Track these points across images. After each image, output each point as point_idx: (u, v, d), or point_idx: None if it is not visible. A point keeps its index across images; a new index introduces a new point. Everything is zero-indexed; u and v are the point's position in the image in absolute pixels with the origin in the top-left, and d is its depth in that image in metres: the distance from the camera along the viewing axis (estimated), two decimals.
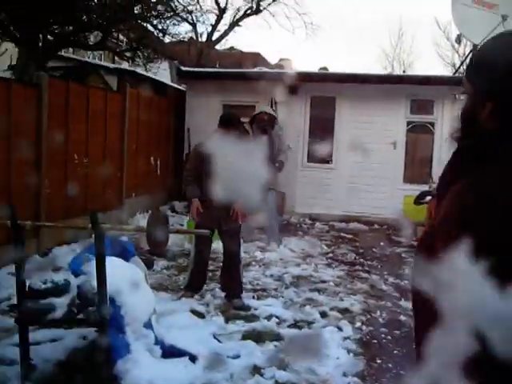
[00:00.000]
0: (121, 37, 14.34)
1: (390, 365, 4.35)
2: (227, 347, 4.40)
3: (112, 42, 13.78)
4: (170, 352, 4.03)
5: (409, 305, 5.86)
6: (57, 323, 3.63)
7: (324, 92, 11.70)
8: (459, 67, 18.34)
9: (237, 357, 4.22)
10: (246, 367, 4.08)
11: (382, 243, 9.37)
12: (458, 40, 18.67)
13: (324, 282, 6.75)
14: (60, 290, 3.61)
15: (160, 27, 12.37)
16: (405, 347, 4.75)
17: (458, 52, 28.59)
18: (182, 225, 9.79)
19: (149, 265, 6.07)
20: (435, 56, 36.45)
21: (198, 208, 5.49)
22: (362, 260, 8.13)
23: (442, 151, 11.22)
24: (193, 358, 4.05)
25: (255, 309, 5.47)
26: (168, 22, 12.65)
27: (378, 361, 4.41)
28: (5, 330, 4.59)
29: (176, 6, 12.88)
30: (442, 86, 11.25)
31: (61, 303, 3.56)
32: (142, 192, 10.53)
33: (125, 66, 14.07)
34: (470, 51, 14.44)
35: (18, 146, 6.78)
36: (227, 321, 5.10)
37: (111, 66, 13.03)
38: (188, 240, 7.45)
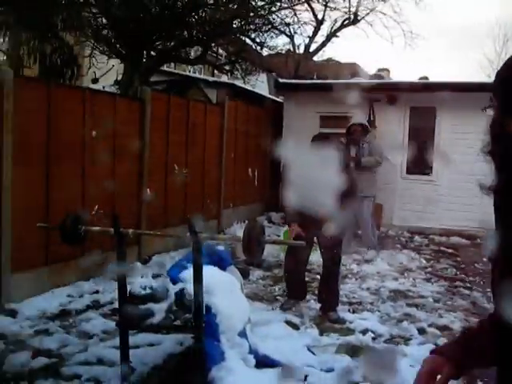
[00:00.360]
0: (220, 51, 14.69)
1: None
2: (321, 360, 4.35)
3: (211, 55, 14.13)
4: (264, 362, 4.04)
5: None
6: (155, 328, 3.73)
7: (424, 102, 11.39)
8: None
9: (331, 370, 4.17)
10: (340, 381, 4.02)
11: (484, 259, 8.95)
12: None
13: (422, 297, 6.54)
14: (159, 296, 3.72)
15: (258, 40, 12.54)
16: None
17: None
18: (278, 235, 9.82)
19: (245, 274, 6.13)
20: None
21: (299, 233, 5.44)
22: (463, 276, 7.82)
23: None
24: (285, 369, 4.04)
25: (350, 322, 5.39)
26: (266, 35, 12.80)
27: (480, 382, 4.20)
28: (107, 333, 4.80)
29: (274, 19, 13.00)
30: None
31: (159, 309, 3.67)
32: (240, 202, 10.70)
33: (224, 79, 14.39)
34: None
35: (123, 157, 7.10)
36: (321, 333, 5.06)
37: (210, 79, 13.36)
38: (282, 250, 7.48)
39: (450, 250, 9.60)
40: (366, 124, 9.36)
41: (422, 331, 5.25)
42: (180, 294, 3.70)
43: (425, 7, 24.96)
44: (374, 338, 4.97)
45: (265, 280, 7.00)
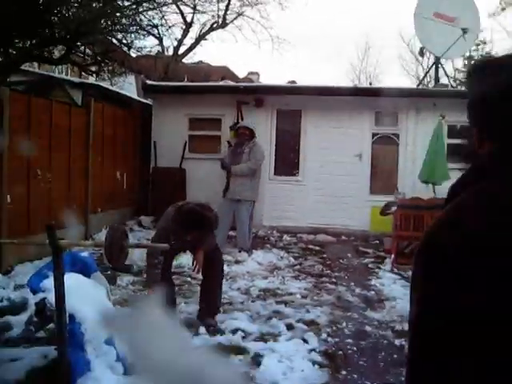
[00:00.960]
0: (86, 51, 14.23)
1: (355, 375, 4.35)
2: None
3: (77, 56, 13.66)
4: (133, 369, 3.96)
5: (374, 315, 5.90)
6: (14, 342, 3.54)
7: (290, 105, 11.77)
8: (422, 79, 18.71)
9: None
10: None
11: (349, 254, 9.42)
12: (421, 53, 19.06)
13: (291, 294, 6.74)
14: (17, 308, 3.53)
15: (125, 41, 12.29)
16: (370, 358, 4.77)
17: (421, 64, 29.16)
18: (148, 239, 9.70)
19: (112, 280, 5.98)
20: (400, 69, 36.99)
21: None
22: (329, 271, 8.15)
23: (407, 162, 11.38)
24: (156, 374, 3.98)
25: (221, 322, 5.42)
26: (133, 35, 12.57)
27: (343, 372, 4.41)
28: None
29: (141, 20, 12.81)
30: (406, 98, 11.42)
31: (18, 321, 3.48)
32: (109, 207, 10.42)
33: (90, 80, 13.95)
34: (433, 63, 14.72)
35: None
36: (192, 335, 5.04)
37: (76, 80, 12.90)
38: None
39: (317, 248, 9.98)
40: (253, 128, 9.40)
41: (289, 327, 5.40)
42: (41, 304, 3.54)
43: (291, 14, 25.76)
44: (243, 337, 5.04)
45: (135, 285, 6.87)
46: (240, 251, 8.82)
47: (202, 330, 5.17)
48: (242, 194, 8.95)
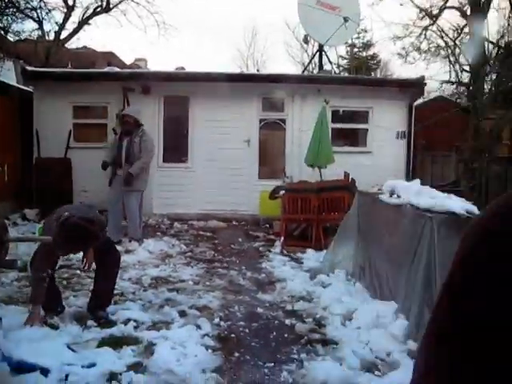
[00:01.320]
0: None
1: (247, 357, 4.45)
2: (82, 356, 4.25)
3: None
4: (19, 367, 3.83)
5: (266, 297, 6.05)
6: None
7: (177, 92, 11.70)
8: (307, 65, 19.18)
9: (92, 365, 4.09)
10: (103, 375, 3.97)
11: (240, 239, 9.56)
12: (306, 40, 19.56)
13: (183, 281, 6.75)
14: None
15: (1, 24, 11.68)
16: (262, 338, 4.89)
17: (306, 51, 29.93)
18: (34, 232, 9.31)
19: None
20: (286, 56, 37.73)
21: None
22: (220, 257, 8.24)
23: (294, 146, 11.69)
24: (45, 372, 3.88)
25: (112, 314, 5.33)
26: (10, 18, 11.97)
27: (236, 354, 4.48)
28: None
29: (18, 2, 12.21)
30: (292, 84, 11.71)
31: None
32: None
33: None
34: (317, 50, 15.14)
35: None
36: (83, 329, 4.93)
37: None
38: None
39: (208, 234, 10.05)
40: (137, 115, 9.04)
41: (182, 314, 5.41)
42: None
43: None
44: (136, 327, 4.99)
45: (20, 281, 6.59)
46: (130, 241, 8.70)
47: (91, 322, 5.07)
48: (133, 185, 8.79)
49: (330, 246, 7.41)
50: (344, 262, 6.88)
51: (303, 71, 18.75)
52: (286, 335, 4.99)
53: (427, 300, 4.40)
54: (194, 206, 11.37)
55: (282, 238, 8.89)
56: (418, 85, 11.89)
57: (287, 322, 5.30)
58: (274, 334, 5.04)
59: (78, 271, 6.99)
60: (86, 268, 5.30)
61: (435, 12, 17.52)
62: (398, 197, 5.54)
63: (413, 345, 4.39)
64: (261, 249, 8.87)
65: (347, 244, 6.95)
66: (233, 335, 4.96)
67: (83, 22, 19.10)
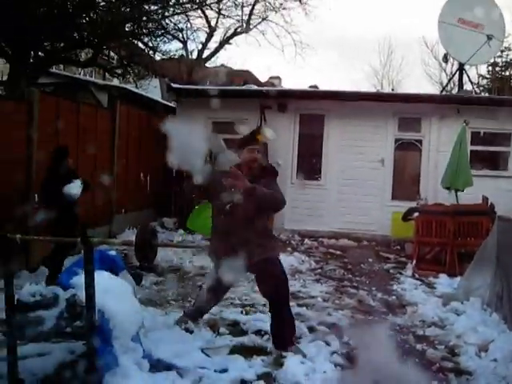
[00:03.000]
0: (112, 54, 14.43)
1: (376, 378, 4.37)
2: (215, 361, 4.40)
3: (103, 59, 13.86)
4: (158, 366, 4.05)
5: (396, 320, 5.92)
6: (45, 336, 3.63)
7: (313, 110, 11.83)
8: (446, 85, 18.60)
9: (224, 371, 4.23)
10: (234, 381, 4.09)
11: (370, 259, 9.42)
12: (445, 59, 18.95)
13: (312, 297, 6.78)
14: (48, 303, 3.62)
15: (151, 45, 12.47)
16: (392, 362, 4.78)
17: (445, 70, 29.04)
18: (171, 240, 9.83)
19: (137, 279, 6.07)
20: (423, 75, 36.77)
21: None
22: (350, 276, 8.18)
23: (430, 168, 11.36)
24: (181, 372, 4.07)
25: (244, 323, 5.48)
26: (159, 39, 12.74)
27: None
28: None
29: (167, 24, 12.97)
30: (430, 104, 11.43)
31: (49, 316, 3.57)
32: (132, 208, 10.56)
33: (115, 82, 14.14)
34: (457, 69, 14.65)
35: (7, 161, 6.80)
36: (215, 335, 5.11)
37: (101, 82, 13.09)
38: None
39: (338, 252, 10.01)
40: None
41: (311, 329, 5.44)
42: (71, 301, 3.63)
43: (315, 18, 25.86)
44: (266, 339, 5.08)
45: (158, 285, 6.96)
46: None
47: (223, 330, 5.24)
48: None
49: (466, 273, 7.09)
50: (480, 290, 6.54)
51: (442, 91, 18.23)
52: (416, 360, 4.85)
53: None
54: (325, 223, 11.39)
55: (414, 261, 8.66)
56: None
57: (418, 346, 5.15)
58: (404, 358, 4.91)
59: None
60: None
61: None
62: None
63: None
64: (391, 271, 8.69)
65: (484, 271, 6.61)
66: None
67: (224, 41, 19.93)
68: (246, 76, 25.14)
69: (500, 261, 6.32)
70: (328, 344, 5.01)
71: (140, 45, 12.45)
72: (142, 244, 6.81)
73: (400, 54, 47.15)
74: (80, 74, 17.24)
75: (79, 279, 3.63)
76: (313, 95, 12.13)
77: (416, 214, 9.06)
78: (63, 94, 9.59)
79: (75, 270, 3.94)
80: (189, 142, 3.97)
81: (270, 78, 27.26)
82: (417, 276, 8.21)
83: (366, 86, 31.11)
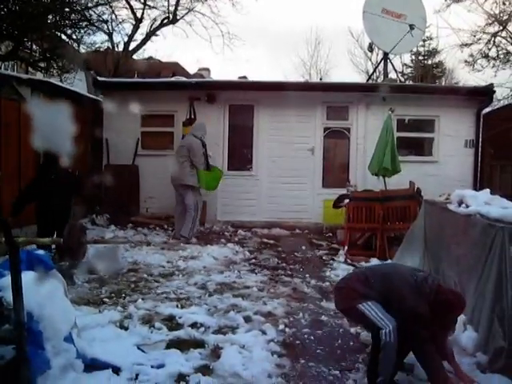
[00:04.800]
0: (34, 47, 13.94)
1: (312, 363, 4.45)
2: (151, 357, 4.36)
3: (25, 51, 13.37)
4: (93, 365, 3.97)
5: (330, 305, 6.04)
6: None
7: (242, 100, 11.84)
8: (372, 74, 19.03)
9: (161, 366, 4.20)
10: (171, 376, 4.07)
11: (303, 247, 9.56)
12: (370, 48, 19.44)
13: (247, 287, 6.81)
14: None
15: (74, 37, 12.14)
16: (327, 346, 4.88)
17: (370, 60, 29.67)
18: (102, 237, 9.62)
19: (68, 278, 5.93)
20: (350, 64, 37.52)
21: None
22: (284, 264, 8.26)
23: (358, 155, 11.61)
24: (116, 370, 4.01)
25: (179, 317, 5.45)
26: (82, 31, 12.43)
27: (302, 361, 4.50)
28: None
29: (91, 16, 12.66)
30: (356, 93, 11.65)
31: None
32: None
33: (39, 76, 13.68)
34: (382, 59, 15.01)
35: None
36: (151, 331, 5.06)
37: (24, 76, 12.62)
38: None
39: (272, 241, 10.10)
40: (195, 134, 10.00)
41: (247, 319, 5.47)
42: None
43: (242, 9, 25.82)
44: (202, 331, 5.08)
45: (90, 283, 6.82)
46: (180, 238, 9.61)
47: (159, 324, 5.19)
48: (188, 179, 9.75)
49: (395, 256, 7.32)
50: None
51: (368, 79, 18.63)
52: (351, 343, 4.97)
53: (497, 312, 4.29)
54: (257, 213, 11.47)
55: (346, 247, 8.84)
56: (486, 93, 11.60)
57: (352, 330, 5.27)
58: (339, 341, 5.02)
59: (145, 275, 7.18)
60: None
61: (505, 18, 17.02)
62: (467, 206, 5.42)
63: (482, 357, 4.29)
64: (324, 257, 8.84)
65: (413, 254, 6.83)
66: (298, 342, 4.97)
67: (151, 33, 19.63)
68: (175, 68, 24.87)
69: (428, 243, 6.55)
70: (264, 333, 5.05)
71: (63, 37, 12.09)
72: (72, 242, 6.64)
73: (327, 44, 47.80)
74: (1, 67, 16.58)
75: (5, 281, 3.51)
76: (241, 86, 12.14)
77: (346, 201, 9.24)
78: None
79: (1, 272, 3.80)
80: (53, 122, 3.92)
81: (199, 69, 26.95)
82: (349, 261, 8.38)
83: (295, 77, 31.38)
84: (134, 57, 20.12)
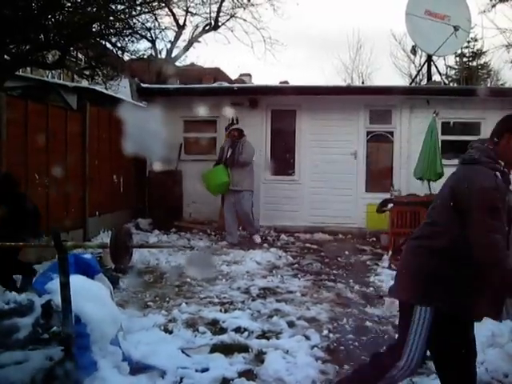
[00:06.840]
0: (80, 55, 14.25)
1: None
2: (195, 361, 4.38)
3: (71, 60, 13.67)
4: (138, 368, 4.01)
5: (374, 311, 5.96)
6: (21, 344, 3.57)
7: (284, 105, 11.83)
8: (415, 77, 18.78)
9: (205, 370, 4.21)
10: (216, 380, 4.08)
11: (346, 252, 9.47)
12: (413, 51, 19.16)
13: (291, 292, 6.78)
14: (24, 309, 3.56)
15: (119, 45, 12.30)
16: (372, 352, 4.81)
17: (413, 62, 29.26)
18: (146, 241, 9.75)
19: (114, 282, 6.01)
20: (393, 67, 37.06)
21: None
22: (327, 269, 8.21)
23: (402, 159, 11.45)
24: (161, 373, 4.04)
25: (223, 322, 5.46)
26: (127, 39, 12.58)
27: (346, 367, 4.45)
28: None
29: (134, 24, 12.82)
30: (400, 96, 11.51)
31: (25, 323, 3.52)
32: (106, 210, 10.44)
33: (84, 84, 13.96)
34: (426, 61, 14.80)
35: None
36: (195, 335, 5.09)
37: (70, 84, 12.92)
38: None
39: (315, 246, 10.04)
40: (241, 128, 10.26)
41: (291, 324, 5.45)
42: (47, 306, 3.57)
43: (283, 14, 25.88)
44: (246, 335, 5.08)
45: (135, 287, 6.90)
46: (251, 236, 10.17)
47: (203, 328, 5.22)
48: (243, 185, 9.96)
49: None
50: None
51: (411, 82, 18.40)
52: None
53: None
54: (300, 218, 11.42)
55: (390, 252, 8.72)
56: None
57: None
58: (384, 348, 4.94)
59: (188, 279, 7.22)
60: None
61: None
62: None
63: None
64: (368, 262, 8.74)
65: None
66: (342, 348, 4.92)
67: (193, 40, 19.83)
68: (217, 74, 25.10)
69: None
70: (308, 338, 5.02)
71: (108, 45, 12.28)
72: (117, 246, 6.72)
73: (369, 47, 47.41)
74: (48, 76, 16.99)
75: (54, 284, 3.58)
76: (283, 90, 12.14)
77: (390, 206, 9.13)
78: (32, 97, 9.42)
79: (50, 275, 3.88)
80: (145, 128, 3.97)
81: (241, 75, 27.20)
82: (393, 267, 8.25)
83: (337, 81, 31.22)
84: (177, 63, 20.34)
